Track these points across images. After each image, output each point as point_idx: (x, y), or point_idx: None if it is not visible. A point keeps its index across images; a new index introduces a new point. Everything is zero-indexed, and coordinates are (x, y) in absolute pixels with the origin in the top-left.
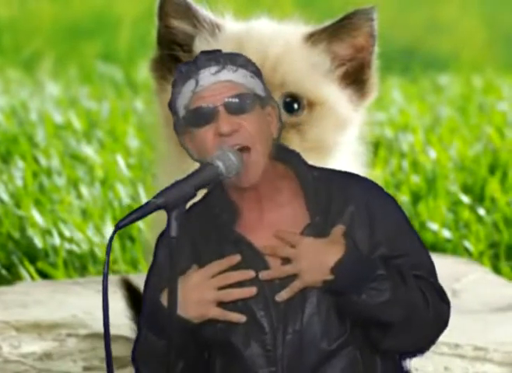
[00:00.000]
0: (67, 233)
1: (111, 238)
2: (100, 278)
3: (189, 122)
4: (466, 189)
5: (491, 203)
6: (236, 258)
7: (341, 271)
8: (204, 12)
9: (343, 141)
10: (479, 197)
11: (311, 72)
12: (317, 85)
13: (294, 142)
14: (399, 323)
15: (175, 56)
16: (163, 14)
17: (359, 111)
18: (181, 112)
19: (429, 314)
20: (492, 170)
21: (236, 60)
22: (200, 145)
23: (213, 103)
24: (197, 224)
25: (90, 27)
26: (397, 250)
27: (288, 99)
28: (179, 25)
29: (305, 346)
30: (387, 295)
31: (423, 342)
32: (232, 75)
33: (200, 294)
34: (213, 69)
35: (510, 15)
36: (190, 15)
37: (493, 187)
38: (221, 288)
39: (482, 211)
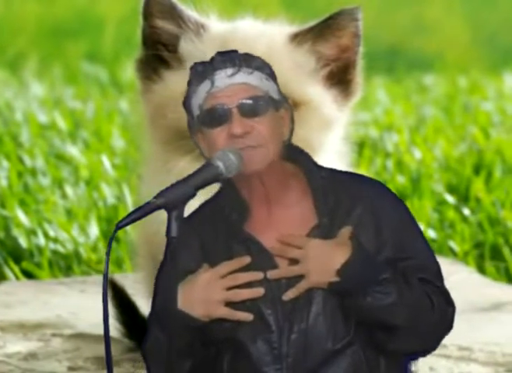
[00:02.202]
0: (52, 233)
1: (111, 239)
2: (85, 278)
3: (203, 122)
4: (451, 189)
5: (476, 203)
6: (246, 259)
7: (347, 273)
8: (189, 12)
9: (328, 141)
10: (464, 197)
11: (296, 72)
12: (302, 86)
13: None
14: (404, 326)
15: (160, 56)
16: (147, 14)
17: (343, 111)
18: (195, 111)
19: (435, 316)
20: (476, 170)
21: (251, 62)
22: (212, 145)
23: (227, 105)
24: (206, 222)
25: (75, 27)
26: (403, 252)
27: None
28: (164, 25)
29: (310, 345)
30: (392, 298)
31: (428, 344)
32: (247, 78)
33: (209, 294)
34: (229, 71)
35: (494, 15)
36: (175, 15)
37: (478, 187)
38: (229, 288)
39: (466, 211)
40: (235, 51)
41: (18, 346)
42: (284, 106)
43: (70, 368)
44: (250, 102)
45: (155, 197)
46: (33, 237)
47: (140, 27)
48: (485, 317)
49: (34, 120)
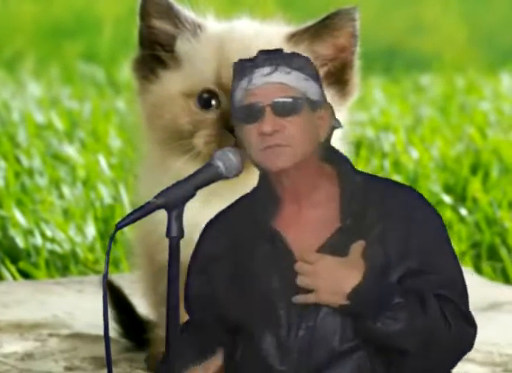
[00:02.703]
0: (49, 233)
1: (111, 239)
2: (82, 278)
3: (240, 117)
4: (448, 189)
5: (473, 203)
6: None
7: (357, 297)
8: (186, 12)
9: None
10: (461, 197)
11: None
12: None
13: None
14: (415, 351)
15: (157, 56)
16: (144, 14)
17: (340, 111)
18: (236, 106)
19: (450, 339)
20: (473, 170)
21: (292, 62)
22: (247, 141)
23: (261, 102)
24: (236, 215)
25: (72, 27)
26: (427, 266)
27: None
28: (161, 25)
29: (316, 342)
30: (402, 325)
31: (443, 365)
32: (284, 78)
33: None
34: (266, 70)
35: (491, 15)
36: (171, 15)
37: (475, 187)
38: None
39: (463, 211)
40: (279, 50)
41: (14, 346)
42: (323, 107)
43: (67, 368)
44: (283, 101)
45: (155, 197)
46: (30, 237)
47: (137, 27)
48: (482, 317)
49: (31, 120)
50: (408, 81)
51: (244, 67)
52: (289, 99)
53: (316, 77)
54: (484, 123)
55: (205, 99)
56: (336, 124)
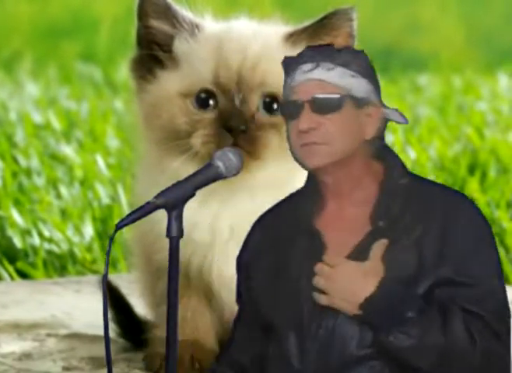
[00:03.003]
0: (46, 233)
1: (111, 239)
2: (80, 278)
3: (284, 114)
4: None
5: None
6: None
7: (370, 308)
8: (183, 12)
9: None
10: None
11: None
12: None
13: (273, 142)
14: (429, 369)
15: (155, 56)
16: (142, 14)
17: None
18: (282, 102)
19: (475, 357)
20: (471, 170)
21: (337, 58)
22: (288, 138)
23: (300, 99)
24: (283, 212)
25: (69, 27)
26: (462, 276)
27: (267, 99)
28: (158, 25)
29: (333, 345)
30: (414, 342)
31: None
32: (325, 74)
33: None
34: (308, 66)
35: (488, 15)
36: (169, 15)
37: (473, 187)
38: None
39: None
40: (328, 45)
41: (12, 346)
42: (372, 103)
43: (65, 368)
44: (322, 98)
45: (155, 197)
46: (27, 237)
47: (135, 27)
48: None
49: (29, 120)
50: (405, 81)
51: (290, 63)
52: (329, 96)
53: (367, 73)
54: (481, 124)
55: (202, 98)
56: (400, 120)
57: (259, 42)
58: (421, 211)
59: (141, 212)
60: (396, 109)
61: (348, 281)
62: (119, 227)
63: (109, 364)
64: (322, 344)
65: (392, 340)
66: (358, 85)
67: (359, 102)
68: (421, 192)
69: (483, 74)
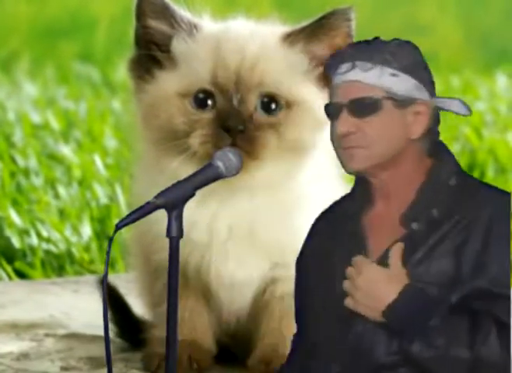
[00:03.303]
0: (44, 233)
1: (111, 239)
2: (78, 278)
3: (327, 114)
4: None
5: None
6: None
7: (392, 316)
8: (181, 12)
9: (321, 141)
10: None
11: (289, 72)
12: (295, 86)
13: (272, 142)
14: None
15: (153, 56)
16: (140, 14)
17: None
18: (327, 103)
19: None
20: (469, 170)
21: (375, 55)
22: (331, 138)
23: (339, 102)
24: (335, 212)
25: (67, 27)
26: (499, 288)
27: (265, 99)
28: (156, 25)
29: (361, 350)
30: (437, 353)
31: None
32: (361, 75)
33: None
34: (345, 67)
35: (487, 15)
36: (167, 15)
37: None
38: None
39: None
40: (374, 39)
41: (10, 346)
42: (419, 100)
43: (63, 368)
44: (358, 101)
45: (155, 197)
46: (25, 237)
47: (133, 27)
48: None
49: (27, 120)
50: None
51: (331, 63)
52: (364, 100)
53: (412, 68)
54: (480, 123)
55: (200, 99)
56: (460, 111)
57: (257, 42)
58: (465, 218)
59: (141, 212)
60: (458, 100)
61: (371, 287)
62: (119, 227)
63: (109, 363)
64: (351, 349)
65: (415, 349)
66: (399, 84)
67: (402, 102)
68: (468, 196)
69: (481, 75)
